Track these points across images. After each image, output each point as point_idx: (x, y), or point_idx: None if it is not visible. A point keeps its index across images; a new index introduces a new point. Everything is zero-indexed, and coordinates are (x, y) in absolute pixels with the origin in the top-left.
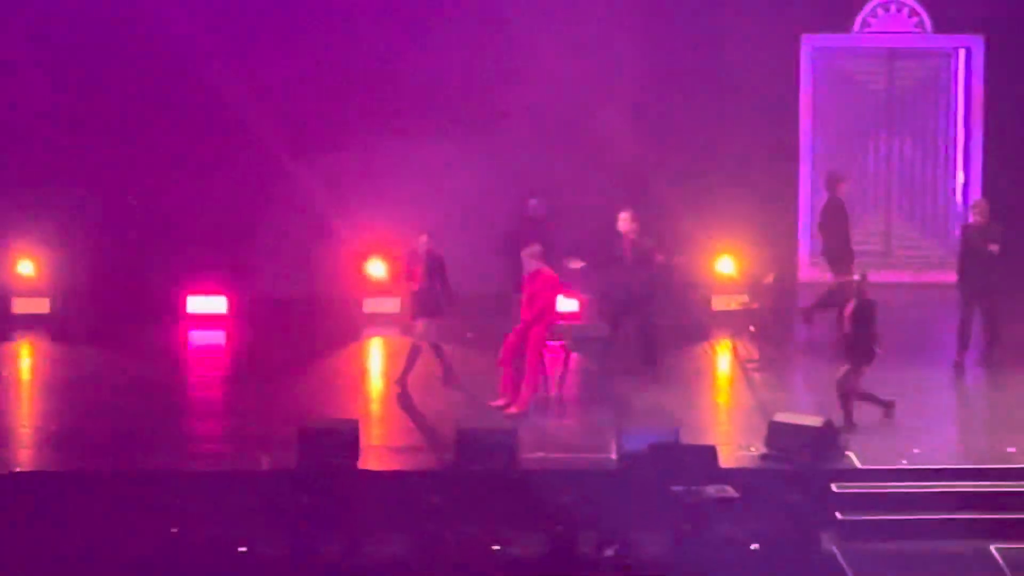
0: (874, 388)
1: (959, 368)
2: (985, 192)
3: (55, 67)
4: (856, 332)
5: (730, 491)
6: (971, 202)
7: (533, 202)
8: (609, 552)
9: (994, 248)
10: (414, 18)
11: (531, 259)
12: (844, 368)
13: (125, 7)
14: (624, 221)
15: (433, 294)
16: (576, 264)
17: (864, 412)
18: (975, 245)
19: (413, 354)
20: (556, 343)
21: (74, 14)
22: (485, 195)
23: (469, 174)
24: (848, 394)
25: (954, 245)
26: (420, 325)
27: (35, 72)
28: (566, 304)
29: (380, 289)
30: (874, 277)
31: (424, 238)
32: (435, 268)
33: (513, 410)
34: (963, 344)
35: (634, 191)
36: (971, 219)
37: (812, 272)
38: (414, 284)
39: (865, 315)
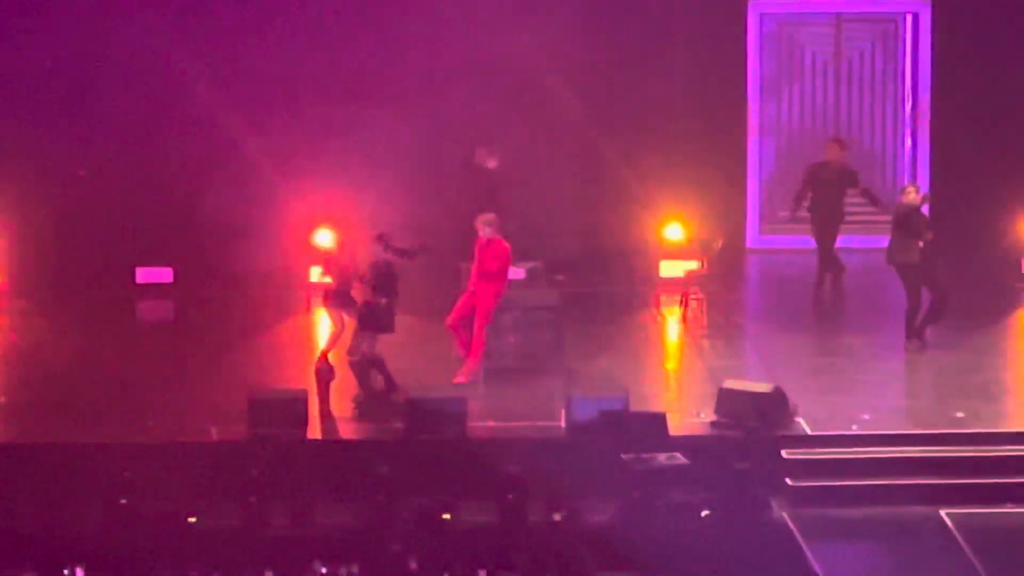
0: (824, 355)
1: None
2: (933, 158)
3: (8, 46)
4: (376, 296)
5: (680, 458)
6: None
7: (482, 151)
8: (558, 518)
9: (928, 237)
10: None
11: (486, 227)
12: (362, 334)
13: None
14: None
15: (380, 307)
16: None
17: (814, 377)
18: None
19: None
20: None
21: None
22: (433, 158)
23: (416, 138)
24: (364, 362)
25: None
26: (364, 339)
27: None
28: (514, 273)
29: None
30: None
31: (380, 246)
32: (385, 280)
33: (461, 379)
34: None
35: (582, 156)
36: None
37: (761, 239)
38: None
39: (384, 278)
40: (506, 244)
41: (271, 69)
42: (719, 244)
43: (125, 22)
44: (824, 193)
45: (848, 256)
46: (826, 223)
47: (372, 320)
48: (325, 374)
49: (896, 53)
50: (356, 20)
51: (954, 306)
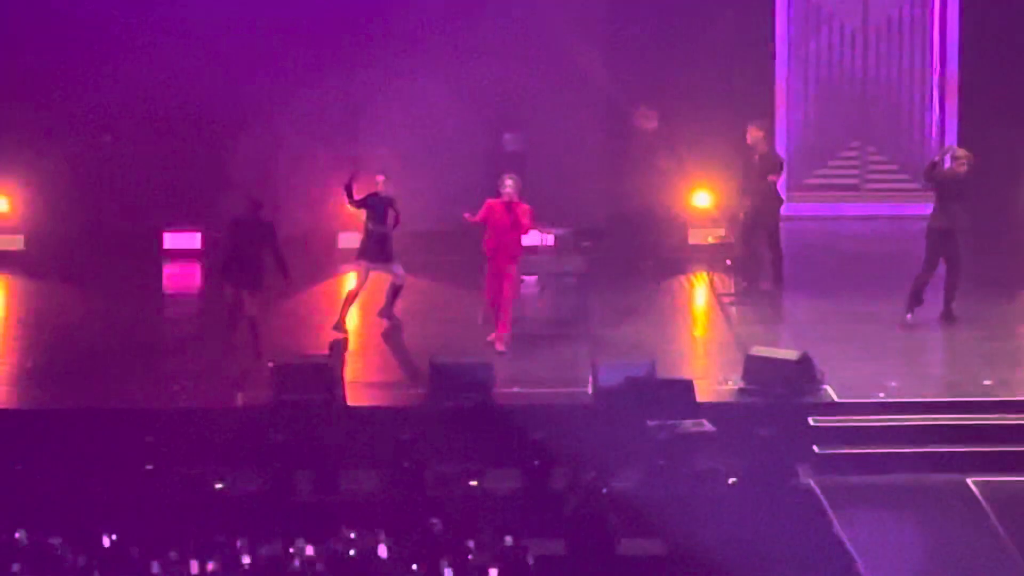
0: (852, 322)
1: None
2: (961, 126)
3: (29, 9)
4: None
5: (707, 425)
6: (951, 150)
7: (508, 137)
8: (585, 484)
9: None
10: None
11: (512, 188)
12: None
13: None
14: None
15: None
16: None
17: (841, 345)
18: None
19: (392, 292)
20: (530, 277)
21: None
22: (461, 127)
23: (446, 106)
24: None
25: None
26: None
27: (9, 12)
28: (539, 238)
29: (353, 223)
30: (850, 210)
31: (381, 178)
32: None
33: (501, 347)
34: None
35: (612, 127)
36: (948, 165)
37: (789, 206)
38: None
39: (253, 235)
40: (528, 205)
41: (301, 29)
42: (744, 213)
43: None
44: (748, 181)
45: (873, 224)
46: (752, 213)
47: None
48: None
49: (924, 20)
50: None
51: (982, 274)
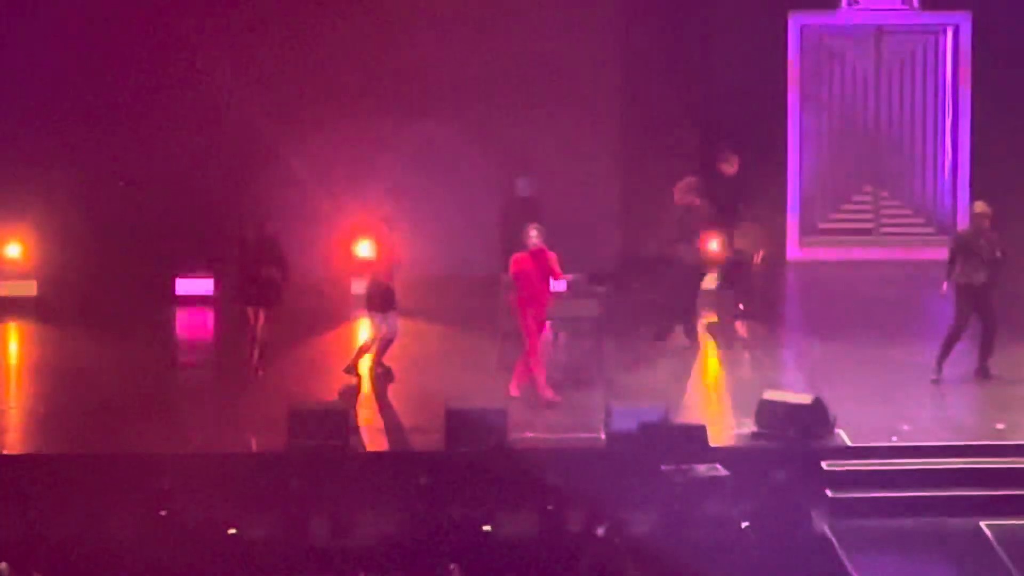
0: (864, 366)
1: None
2: (974, 169)
3: (46, 52)
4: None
5: (720, 469)
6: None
7: (522, 182)
8: (599, 531)
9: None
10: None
11: (538, 236)
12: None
13: None
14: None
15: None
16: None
17: (854, 389)
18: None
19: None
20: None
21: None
22: (474, 172)
23: (459, 152)
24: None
25: (943, 222)
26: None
27: (25, 56)
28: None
29: (367, 269)
30: (863, 254)
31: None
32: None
33: (550, 394)
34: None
35: (623, 167)
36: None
37: (801, 251)
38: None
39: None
40: (552, 252)
41: (312, 79)
42: (760, 256)
43: (173, 34)
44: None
45: (887, 268)
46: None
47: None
48: (382, 377)
49: (936, 65)
50: (396, 32)
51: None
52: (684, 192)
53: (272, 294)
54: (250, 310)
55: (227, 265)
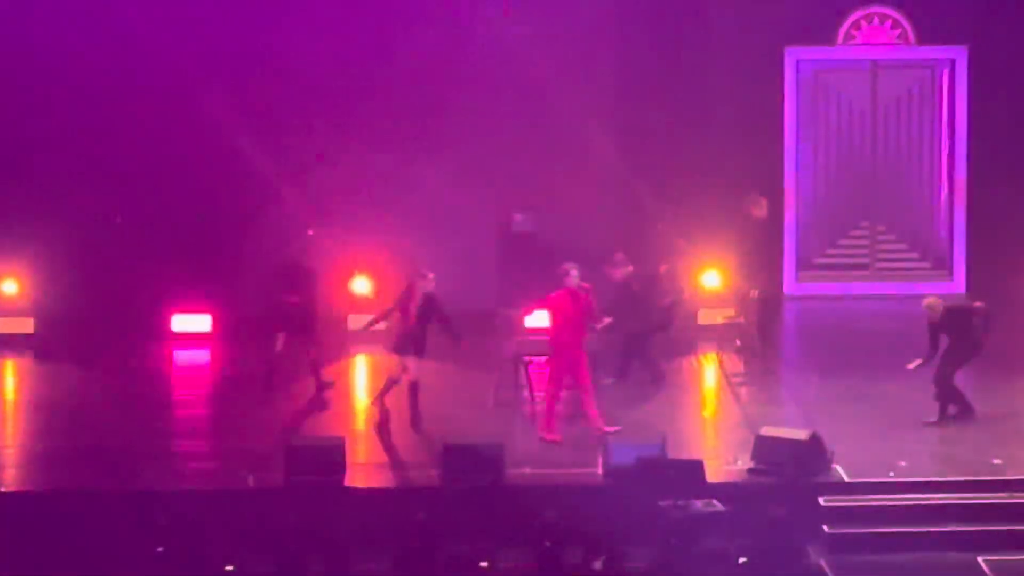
0: (861, 401)
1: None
2: (970, 204)
3: (40, 88)
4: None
5: (717, 505)
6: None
7: (519, 218)
8: (597, 565)
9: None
10: (395, 37)
11: (578, 277)
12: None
13: (109, 31)
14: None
15: (423, 333)
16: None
17: (851, 424)
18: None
19: (391, 382)
20: (539, 359)
21: (57, 38)
22: (470, 210)
23: (453, 189)
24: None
25: (939, 257)
26: (409, 362)
27: (21, 93)
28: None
29: (365, 306)
30: (859, 289)
31: (430, 276)
32: (431, 308)
33: (609, 428)
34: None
35: (619, 205)
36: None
37: (798, 286)
38: (409, 321)
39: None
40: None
41: (313, 113)
42: (756, 293)
43: (170, 71)
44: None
45: (882, 303)
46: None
47: (420, 342)
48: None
49: (932, 100)
50: (392, 69)
51: (990, 351)
52: (616, 267)
53: (294, 321)
54: (277, 336)
55: (224, 301)
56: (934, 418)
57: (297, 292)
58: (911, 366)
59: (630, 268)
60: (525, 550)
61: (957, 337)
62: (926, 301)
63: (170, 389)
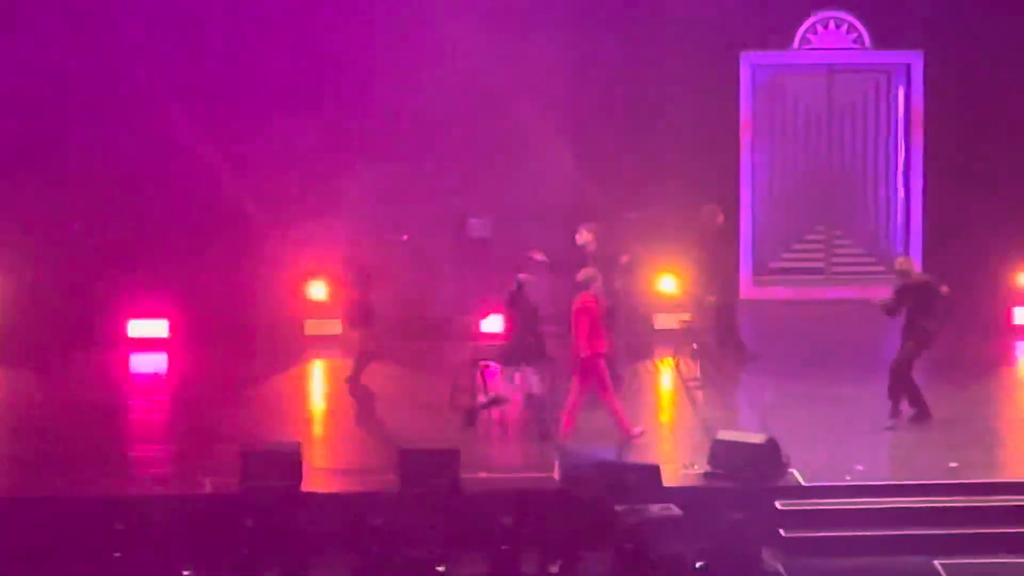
0: (819, 405)
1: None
2: (926, 209)
3: None
4: None
5: (674, 509)
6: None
7: (475, 222)
8: (554, 570)
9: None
10: (349, 44)
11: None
12: None
13: (64, 39)
14: (583, 235)
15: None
16: (539, 256)
17: (808, 428)
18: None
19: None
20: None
21: (11, 46)
22: (425, 215)
23: (408, 194)
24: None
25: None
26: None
27: None
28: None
29: (321, 311)
30: (815, 294)
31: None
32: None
33: (636, 431)
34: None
35: (574, 209)
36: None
37: (754, 290)
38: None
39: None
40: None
41: (267, 122)
42: (712, 299)
43: (128, 76)
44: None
45: (838, 307)
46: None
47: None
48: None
49: (888, 105)
50: (346, 74)
51: (947, 357)
52: (583, 233)
53: (355, 316)
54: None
55: (181, 306)
56: (891, 423)
57: (356, 289)
58: (876, 302)
59: (591, 239)
60: (482, 554)
61: (919, 313)
62: (899, 262)
63: (127, 394)
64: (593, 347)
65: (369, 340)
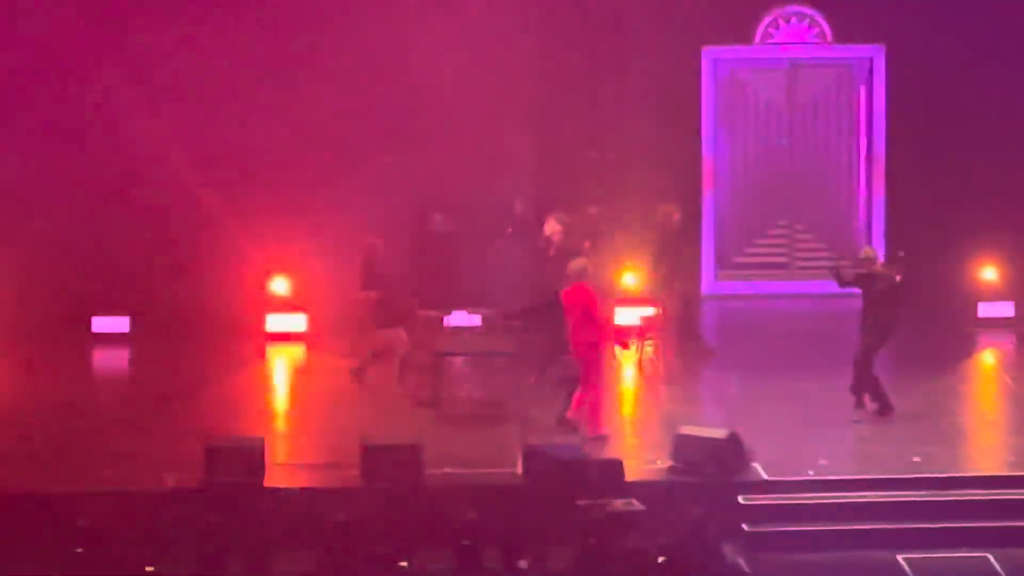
0: (780, 400)
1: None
2: (888, 203)
3: None
4: None
5: (636, 504)
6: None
7: (438, 217)
8: (520, 565)
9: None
10: (308, 35)
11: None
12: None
13: (21, 28)
14: (551, 225)
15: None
16: (439, 220)
17: (770, 423)
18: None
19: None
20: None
21: None
22: (389, 209)
23: (372, 189)
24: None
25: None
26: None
27: None
28: (466, 319)
29: (283, 306)
30: (778, 288)
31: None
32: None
33: (604, 432)
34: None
35: (537, 204)
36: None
37: (717, 284)
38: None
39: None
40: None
41: (229, 117)
42: (675, 293)
43: (86, 71)
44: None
45: (801, 302)
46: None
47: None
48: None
49: (851, 99)
50: (318, 73)
51: (911, 351)
52: (552, 223)
53: (380, 317)
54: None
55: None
56: (858, 416)
57: (377, 288)
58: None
59: (558, 230)
60: (445, 550)
61: (880, 305)
62: (866, 250)
63: (90, 390)
64: (593, 337)
65: (395, 340)
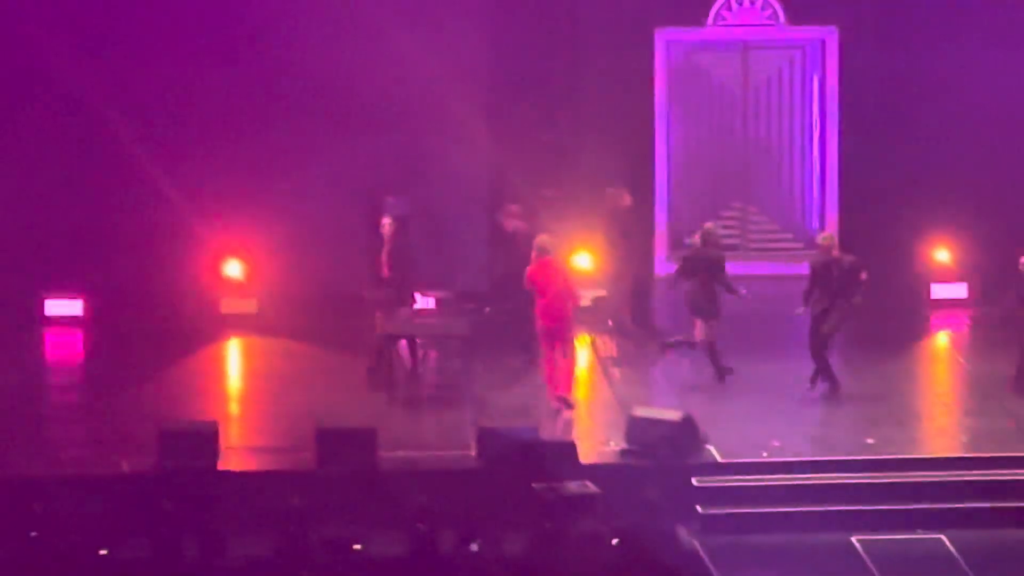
0: (734, 382)
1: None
2: (842, 184)
3: None
4: None
5: (590, 487)
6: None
7: (392, 200)
8: (473, 547)
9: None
10: (266, 17)
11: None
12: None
13: None
14: (510, 221)
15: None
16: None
17: (724, 405)
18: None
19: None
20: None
21: None
22: (342, 193)
23: (325, 172)
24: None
25: (810, 237)
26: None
27: None
28: (423, 301)
29: (237, 289)
30: (731, 269)
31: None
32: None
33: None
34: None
35: (490, 186)
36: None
37: (669, 266)
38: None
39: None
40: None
41: (183, 100)
42: (627, 275)
43: (42, 50)
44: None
45: (754, 283)
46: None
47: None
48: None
49: (803, 81)
50: (270, 55)
51: (865, 336)
52: (510, 218)
53: (384, 303)
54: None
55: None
56: (811, 387)
57: (397, 272)
58: (798, 312)
59: (521, 224)
60: (399, 533)
61: (837, 290)
62: (823, 237)
63: (43, 374)
64: (564, 309)
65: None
